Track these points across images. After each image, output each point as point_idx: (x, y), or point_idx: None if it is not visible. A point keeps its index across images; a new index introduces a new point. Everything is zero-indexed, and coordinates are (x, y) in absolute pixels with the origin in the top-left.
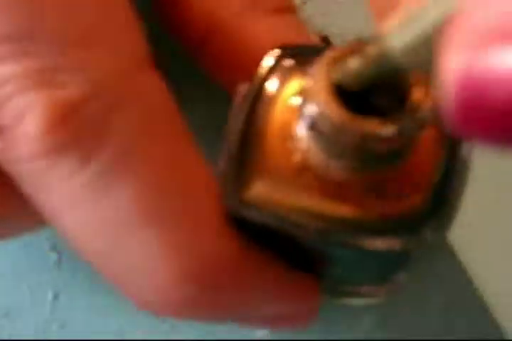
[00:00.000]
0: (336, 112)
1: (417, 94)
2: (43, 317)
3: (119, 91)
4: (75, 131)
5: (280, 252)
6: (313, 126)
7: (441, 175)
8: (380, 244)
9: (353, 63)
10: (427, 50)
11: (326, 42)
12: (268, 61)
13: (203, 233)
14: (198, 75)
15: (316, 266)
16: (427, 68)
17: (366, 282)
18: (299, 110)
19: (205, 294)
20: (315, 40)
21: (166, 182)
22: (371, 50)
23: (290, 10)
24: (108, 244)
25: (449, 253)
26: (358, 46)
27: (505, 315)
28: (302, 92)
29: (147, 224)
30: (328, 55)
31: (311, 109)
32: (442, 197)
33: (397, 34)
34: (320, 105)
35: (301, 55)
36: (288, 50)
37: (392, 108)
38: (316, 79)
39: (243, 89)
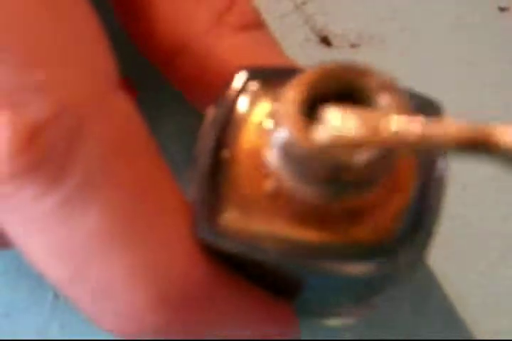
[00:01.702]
0: (307, 139)
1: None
2: (43, 317)
3: (87, 113)
4: (41, 153)
5: (254, 276)
6: (283, 152)
7: (417, 196)
8: (355, 269)
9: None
10: None
11: (325, 42)
12: (236, 84)
13: (174, 258)
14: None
15: (291, 290)
16: None
17: (343, 304)
18: (269, 135)
19: (179, 318)
20: (286, 57)
21: (136, 206)
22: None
23: (259, 26)
24: (74, 270)
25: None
26: (332, 72)
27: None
28: (273, 117)
29: (115, 249)
30: (301, 79)
31: (282, 135)
32: (418, 219)
33: None
34: (291, 131)
35: (269, 77)
36: (255, 73)
37: None
38: (287, 104)
39: (212, 112)
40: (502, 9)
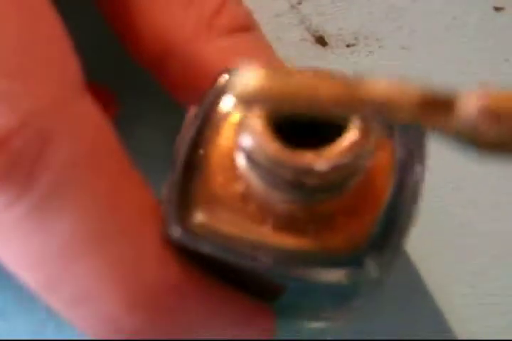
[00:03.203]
0: (269, 146)
1: (354, 131)
2: (40, 317)
3: (51, 121)
4: (8, 162)
5: (229, 278)
6: (249, 157)
7: (392, 201)
8: (324, 276)
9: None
10: None
11: (321, 42)
12: (218, 84)
13: (146, 261)
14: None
15: (268, 292)
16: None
17: (321, 308)
18: (239, 138)
19: (153, 320)
20: (277, 60)
21: (106, 211)
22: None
23: (249, 29)
24: (48, 277)
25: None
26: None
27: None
28: (240, 123)
29: (88, 255)
30: None
31: (247, 141)
32: (391, 225)
33: None
34: (254, 137)
35: None
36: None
37: (333, 136)
38: (253, 112)
39: (193, 111)
40: (498, 9)
